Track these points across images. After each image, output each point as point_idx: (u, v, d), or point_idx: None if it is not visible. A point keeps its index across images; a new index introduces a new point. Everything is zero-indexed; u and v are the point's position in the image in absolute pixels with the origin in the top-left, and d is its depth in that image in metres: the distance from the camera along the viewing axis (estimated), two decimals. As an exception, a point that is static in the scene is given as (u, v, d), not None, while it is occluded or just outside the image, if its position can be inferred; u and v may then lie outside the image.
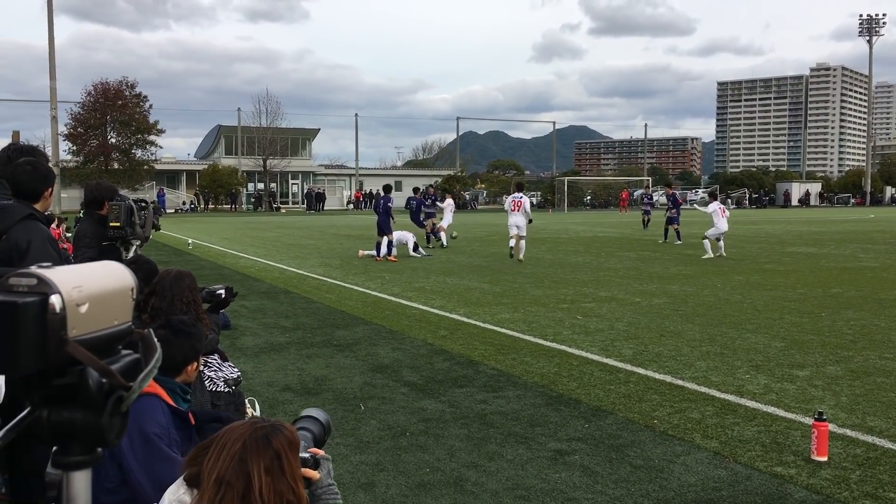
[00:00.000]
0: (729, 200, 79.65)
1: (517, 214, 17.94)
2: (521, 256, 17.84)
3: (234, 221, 44.16)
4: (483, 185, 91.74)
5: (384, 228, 18.98)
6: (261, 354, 8.19)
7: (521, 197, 18.20)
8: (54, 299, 0.97)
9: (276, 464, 1.85)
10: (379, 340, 8.89)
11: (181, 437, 2.92)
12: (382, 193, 19.89)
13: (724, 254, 19.58)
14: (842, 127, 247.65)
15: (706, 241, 19.86)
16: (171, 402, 2.93)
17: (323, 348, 8.48)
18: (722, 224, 19.89)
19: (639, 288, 13.38)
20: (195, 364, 3.15)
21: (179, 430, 2.91)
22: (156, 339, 1.12)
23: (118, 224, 5.60)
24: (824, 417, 4.96)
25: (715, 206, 20.54)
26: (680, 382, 6.89)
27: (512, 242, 17.95)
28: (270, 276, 15.75)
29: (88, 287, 1.00)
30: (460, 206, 69.48)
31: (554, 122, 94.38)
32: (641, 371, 7.32)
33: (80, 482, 1.04)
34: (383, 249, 18.99)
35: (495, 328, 9.61)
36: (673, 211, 24.99)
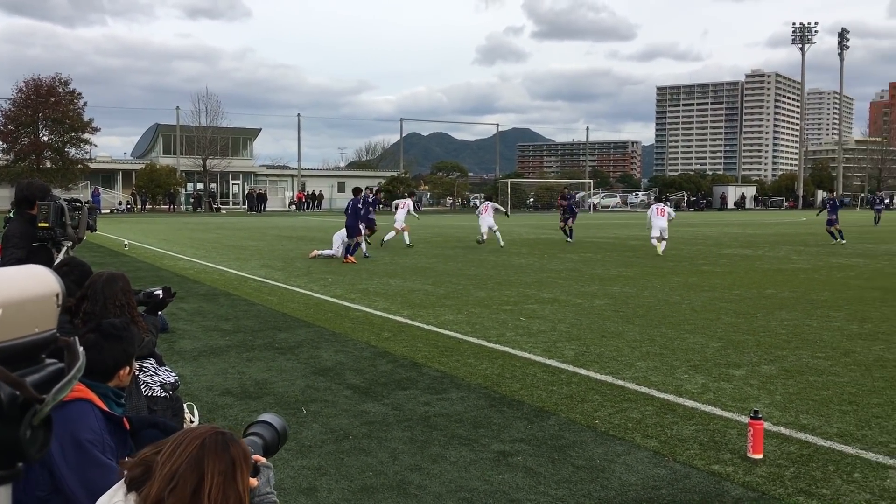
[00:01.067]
0: (668, 203, 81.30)
1: (488, 216, 24.13)
2: (501, 243, 23.50)
3: (173, 222, 43.30)
4: (427, 187, 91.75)
5: (353, 230, 19.10)
6: (200, 358, 8.03)
7: (489, 203, 24.78)
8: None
9: (230, 470, 1.85)
10: (321, 343, 8.80)
11: (116, 442, 2.83)
12: (352, 196, 20.10)
13: (661, 254, 20.72)
14: (776, 132, 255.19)
15: (653, 240, 21.47)
16: (104, 407, 2.84)
17: (264, 351, 8.36)
18: (658, 222, 21.61)
19: (581, 289, 13.52)
20: (128, 368, 3.07)
21: (114, 435, 2.83)
22: (80, 347, 1.07)
23: (47, 225, 5.43)
24: (759, 416, 5.07)
25: (653, 208, 22.51)
26: (621, 383, 6.98)
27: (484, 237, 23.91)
28: (210, 277, 15.48)
29: (4, 293, 0.95)
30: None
31: (497, 125, 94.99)
32: (583, 372, 7.39)
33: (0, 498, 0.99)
34: (336, 250, 19.53)
35: (439, 330, 9.60)
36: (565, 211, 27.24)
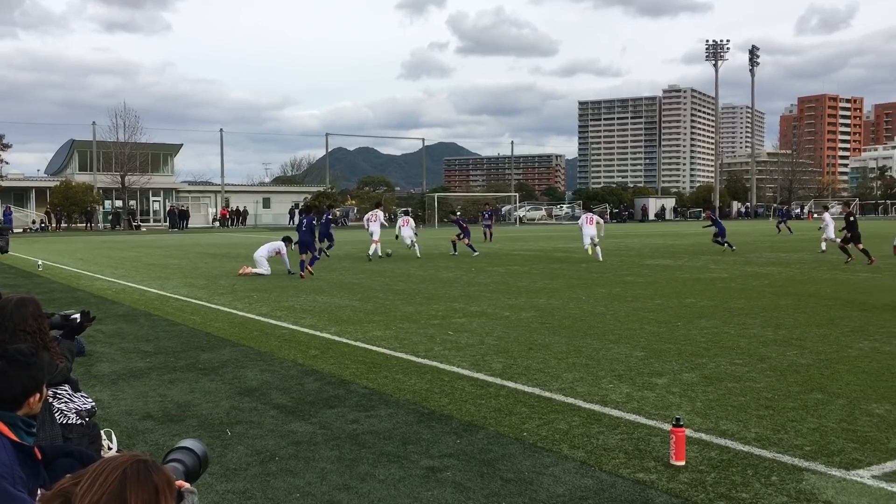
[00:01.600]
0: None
1: (408, 228, 25.99)
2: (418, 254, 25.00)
3: (90, 241, 41.97)
4: (354, 202, 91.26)
5: (307, 245, 19.38)
6: (119, 381, 7.78)
7: (407, 216, 26.44)
8: None
9: (153, 498, 1.79)
10: (246, 362, 8.64)
11: (27, 474, 2.72)
12: (304, 213, 20.47)
13: (601, 258, 23.34)
14: (692, 145, 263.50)
15: (587, 249, 24.24)
16: (13, 437, 2.72)
17: (187, 372, 8.16)
18: (588, 230, 24.09)
19: (508, 302, 13.64)
20: (38, 395, 2.94)
21: (25, 466, 2.71)
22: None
23: None
24: (681, 423, 5.20)
25: (583, 217, 24.97)
26: (548, 394, 7.06)
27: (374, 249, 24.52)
28: (129, 298, 15.07)
29: None
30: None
31: (423, 139, 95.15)
32: (511, 384, 7.45)
33: None
34: (266, 270, 19.81)
35: (367, 346, 9.55)
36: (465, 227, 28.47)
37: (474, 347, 9.37)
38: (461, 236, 27.88)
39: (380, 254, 25.26)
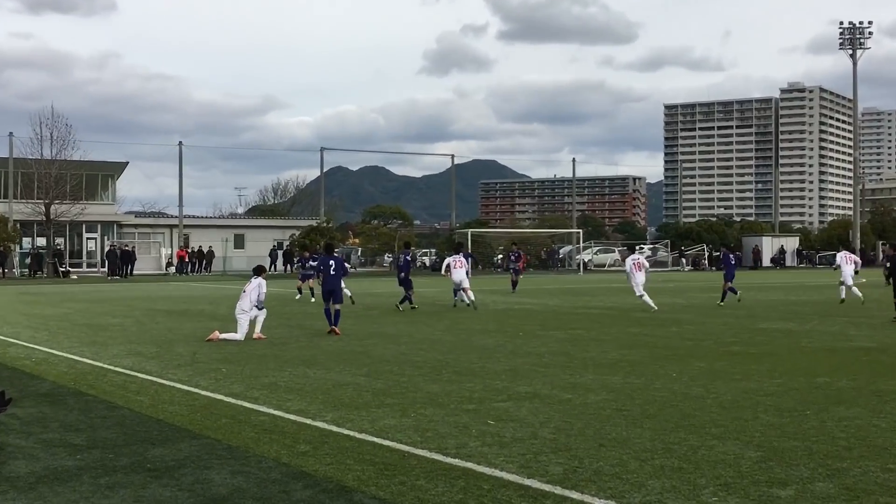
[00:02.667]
0: (683, 259, 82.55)
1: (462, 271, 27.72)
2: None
3: (2, 292, 42.60)
4: (357, 241, 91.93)
5: (337, 294, 21.30)
6: (39, 486, 7.82)
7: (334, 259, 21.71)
8: None
9: None
10: (212, 461, 8.64)
11: None
12: (328, 254, 22.64)
13: (654, 307, 26.90)
14: (822, 164, 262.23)
15: (645, 300, 27.31)
16: None
17: (131, 474, 8.17)
18: (639, 277, 27.63)
19: (569, 380, 13.54)
20: None
21: None
22: None
23: None
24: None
25: (630, 262, 28.49)
26: (627, 510, 6.96)
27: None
28: (54, 370, 15.17)
29: None
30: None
31: (453, 156, 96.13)
32: (576, 496, 7.37)
33: None
34: (243, 331, 19.91)
35: (376, 440, 9.51)
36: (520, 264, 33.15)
37: (524, 443, 9.29)
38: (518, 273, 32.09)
39: (468, 301, 28.76)
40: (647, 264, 29.10)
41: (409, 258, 27.86)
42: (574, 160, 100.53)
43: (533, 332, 21.28)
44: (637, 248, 31.12)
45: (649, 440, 9.41)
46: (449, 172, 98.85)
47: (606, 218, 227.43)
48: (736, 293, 32.02)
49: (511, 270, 40.13)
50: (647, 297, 27.29)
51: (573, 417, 10.64)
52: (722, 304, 31.18)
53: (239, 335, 19.58)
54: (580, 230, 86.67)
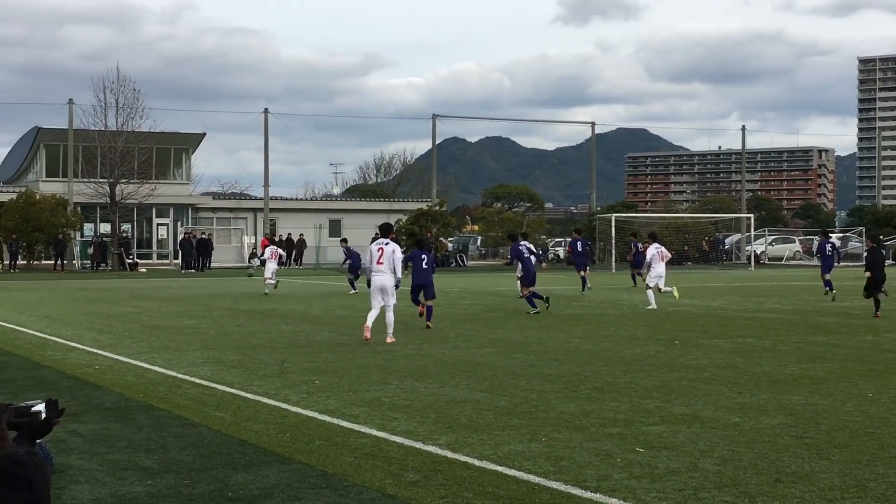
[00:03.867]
0: (883, 251, 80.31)
1: (385, 270, 20.63)
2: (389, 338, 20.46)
3: (62, 288, 43.93)
4: (476, 228, 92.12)
5: (429, 289, 23.70)
6: (104, 515, 8.06)
7: (388, 243, 21.12)
8: None
9: None
10: (304, 491, 8.79)
11: None
12: (420, 248, 24.89)
13: (654, 307, 28.80)
14: None
15: (649, 291, 29.53)
16: None
17: (210, 504, 8.38)
18: (659, 268, 29.90)
19: (737, 400, 13.39)
20: None
21: None
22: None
23: None
24: None
25: (653, 251, 30.34)
26: (810, 561, 6.86)
27: (371, 318, 20.45)
28: (121, 380, 15.60)
29: None
30: (441, 263, 69.71)
31: (593, 124, 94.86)
32: (745, 542, 7.29)
33: None
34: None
35: (499, 468, 9.54)
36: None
37: (681, 476, 9.22)
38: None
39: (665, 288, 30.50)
40: (669, 255, 31.67)
41: (433, 256, 26.69)
42: (744, 128, 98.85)
43: (692, 340, 21.04)
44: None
45: (838, 475, 9.24)
46: (588, 144, 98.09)
47: (784, 200, 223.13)
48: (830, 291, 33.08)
49: (578, 264, 40.39)
50: (651, 294, 29.55)
51: (742, 446, 10.50)
52: None
53: (389, 317, 20.48)
54: (751, 215, 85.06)
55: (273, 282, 38.14)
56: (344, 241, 43.45)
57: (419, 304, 23.88)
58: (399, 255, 20.97)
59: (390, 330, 20.45)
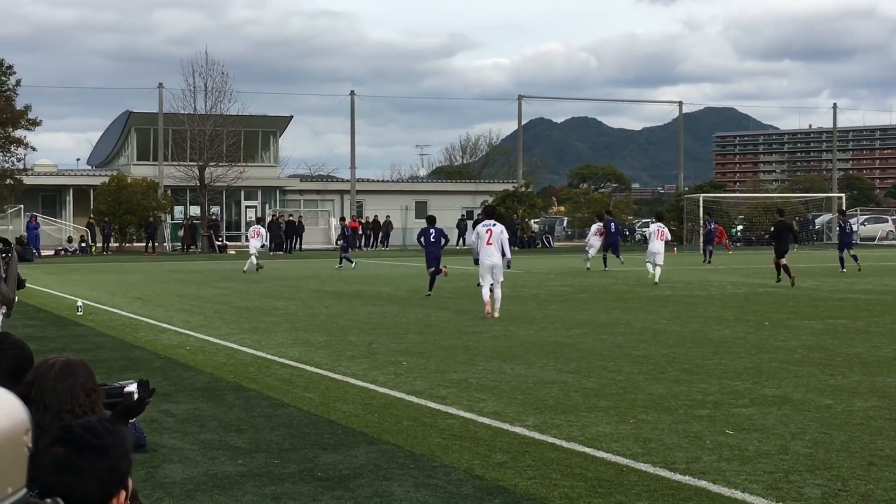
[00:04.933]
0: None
1: (494, 251, 22.21)
2: (496, 313, 21.65)
3: (153, 270, 44.58)
4: (563, 209, 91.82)
5: (436, 261, 27.41)
6: (197, 494, 8.19)
7: (495, 225, 22.72)
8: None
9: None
10: (392, 471, 8.85)
11: None
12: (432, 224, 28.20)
13: (657, 282, 30.95)
14: None
15: (648, 264, 32.11)
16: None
17: (300, 484, 8.47)
18: (655, 246, 31.66)
19: (829, 382, 13.25)
20: (123, 495, 3.12)
21: None
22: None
23: None
24: None
25: (654, 228, 32.29)
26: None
27: (486, 294, 21.78)
28: (212, 361, 15.83)
29: None
30: (527, 244, 69.60)
31: (681, 104, 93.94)
32: (838, 525, 7.21)
33: None
34: None
35: (587, 450, 9.54)
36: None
37: (771, 458, 9.14)
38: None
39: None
40: (669, 236, 33.80)
41: (442, 231, 28.65)
42: (835, 106, 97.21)
43: (782, 321, 20.82)
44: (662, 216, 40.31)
45: (934, 459, 9.10)
46: (675, 124, 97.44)
47: (877, 179, 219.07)
48: (840, 265, 35.36)
49: (610, 243, 42.69)
50: (649, 266, 32.14)
51: (834, 428, 10.39)
52: None
53: (497, 293, 21.73)
54: (842, 194, 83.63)
55: (255, 262, 40.13)
56: (342, 219, 47.20)
57: (440, 271, 27.45)
58: (506, 236, 22.68)
59: (497, 305, 21.70)
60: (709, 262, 47.31)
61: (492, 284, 21.66)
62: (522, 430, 10.46)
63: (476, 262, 22.74)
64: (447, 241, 29.08)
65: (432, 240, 27.79)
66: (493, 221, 22.82)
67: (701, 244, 49.61)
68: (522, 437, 10.19)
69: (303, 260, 55.26)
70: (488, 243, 21.98)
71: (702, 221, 52.09)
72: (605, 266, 40.35)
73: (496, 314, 21.40)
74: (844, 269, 36.77)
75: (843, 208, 52.99)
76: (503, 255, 22.10)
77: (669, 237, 33.27)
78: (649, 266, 32.04)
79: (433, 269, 27.42)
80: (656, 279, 31.30)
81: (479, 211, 74.20)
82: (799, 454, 9.32)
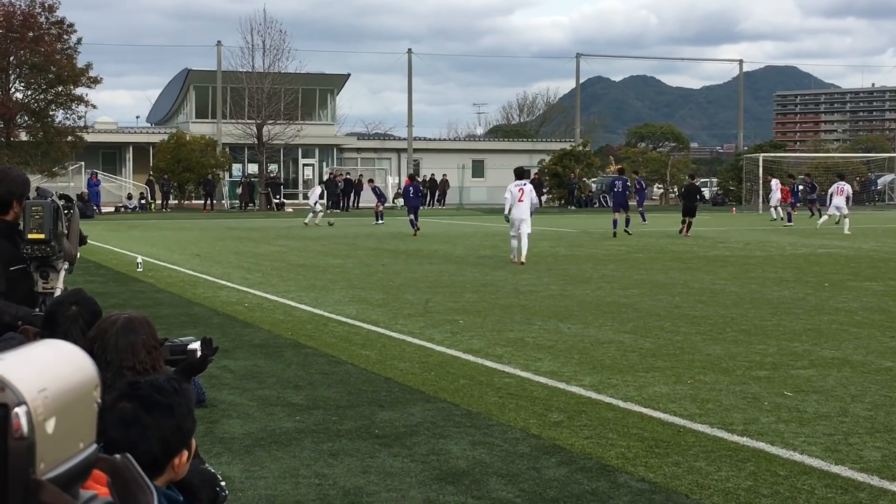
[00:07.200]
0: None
1: (525, 207, 25.39)
2: (523, 258, 24.47)
3: (211, 227, 45.01)
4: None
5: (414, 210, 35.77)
6: (255, 450, 8.28)
7: (526, 184, 26.30)
8: (20, 414, 0.91)
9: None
10: (449, 429, 8.90)
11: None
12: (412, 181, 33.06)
13: (848, 231, 34.82)
14: None
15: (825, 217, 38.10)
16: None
17: (357, 441, 8.53)
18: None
19: (890, 344, 13.14)
20: (185, 454, 3.17)
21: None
22: (139, 473, 1.13)
23: (42, 236, 5.59)
24: None
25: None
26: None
27: (514, 244, 24.95)
28: (269, 318, 15.95)
29: (54, 388, 0.98)
30: (585, 203, 69.32)
31: (741, 62, 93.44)
32: (898, 489, 7.17)
33: None
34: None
35: (644, 410, 9.54)
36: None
37: (830, 421, 9.09)
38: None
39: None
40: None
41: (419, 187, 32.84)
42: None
43: (842, 282, 20.65)
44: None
45: None
46: (735, 82, 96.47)
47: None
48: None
49: (640, 201, 46.32)
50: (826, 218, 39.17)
51: (895, 391, 10.32)
52: None
53: (524, 243, 24.54)
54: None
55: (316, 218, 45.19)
56: (412, 177, 48.19)
57: (414, 225, 36.69)
58: (534, 193, 26.60)
59: (524, 252, 24.65)
60: (790, 222, 47.44)
61: (520, 236, 24.69)
62: (579, 390, 10.47)
63: (506, 219, 25.81)
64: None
65: (411, 196, 39.22)
66: (525, 181, 26.54)
67: (807, 201, 52.81)
68: (579, 396, 10.21)
69: (360, 217, 55.42)
70: (520, 200, 25.30)
71: (803, 177, 54.50)
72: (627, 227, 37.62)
73: (523, 259, 24.33)
74: None
75: None
76: (530, 207, 25.51)
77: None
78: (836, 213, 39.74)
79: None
80: (846, 229, 36.68)
81: (535, 170, 74.68)
82: (858, 416, 9.26)
